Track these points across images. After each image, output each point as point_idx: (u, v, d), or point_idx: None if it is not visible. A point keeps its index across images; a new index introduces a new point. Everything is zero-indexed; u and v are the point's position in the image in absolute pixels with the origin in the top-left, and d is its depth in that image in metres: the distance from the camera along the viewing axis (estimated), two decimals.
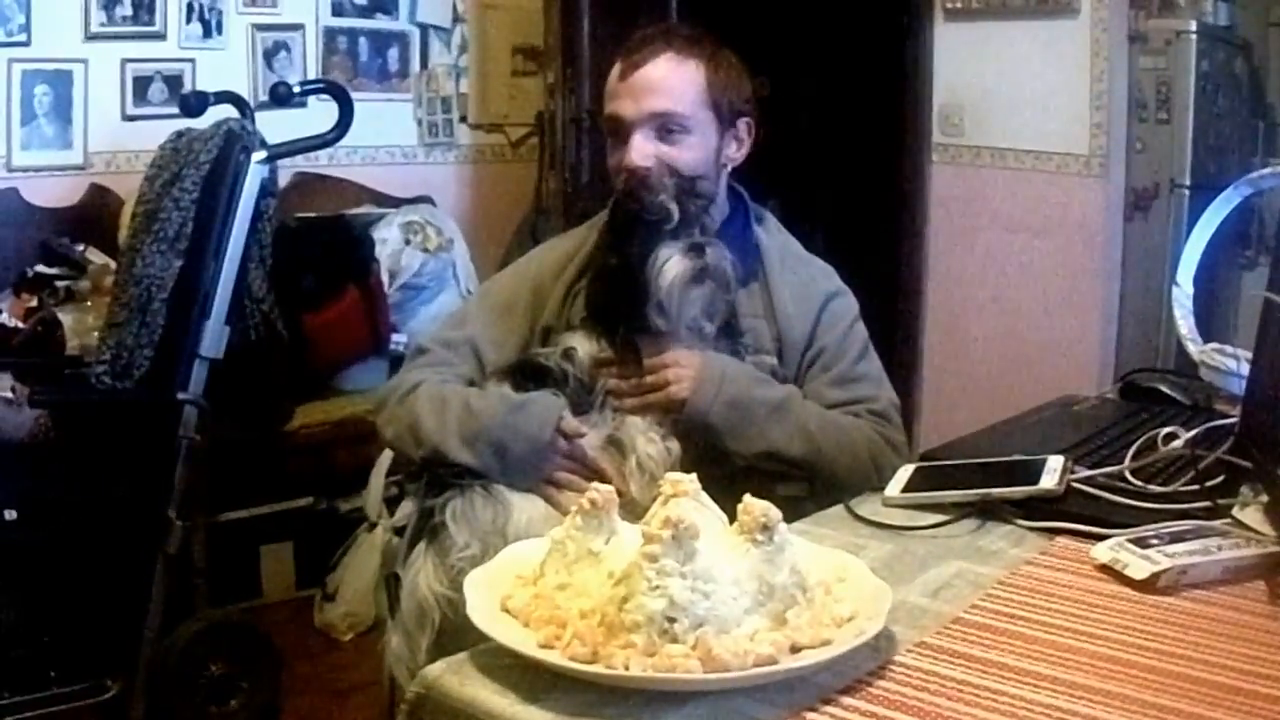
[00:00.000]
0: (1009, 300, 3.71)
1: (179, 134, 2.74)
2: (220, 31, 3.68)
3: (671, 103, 1.67)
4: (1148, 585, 1.10)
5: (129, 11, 3.51)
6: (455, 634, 1.39)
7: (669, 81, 1.67)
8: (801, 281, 1.74)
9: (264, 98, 3.25)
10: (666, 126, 1.67)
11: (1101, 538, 1.20)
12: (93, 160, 3.48)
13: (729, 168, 1.75)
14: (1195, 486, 1.30)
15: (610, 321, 1.62)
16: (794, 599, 0.97)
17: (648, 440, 1.59)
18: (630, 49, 1.70)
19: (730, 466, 1.58)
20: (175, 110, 2.92)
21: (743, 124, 1.74)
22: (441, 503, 1.58)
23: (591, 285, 1.67)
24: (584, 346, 1.63)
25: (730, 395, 1.58)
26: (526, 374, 1.64)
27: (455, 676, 0.95)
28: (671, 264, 1.56)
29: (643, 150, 1.66)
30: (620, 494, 1.09)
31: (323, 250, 3.39)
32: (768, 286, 1.73)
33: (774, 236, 1.80)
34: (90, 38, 3.45)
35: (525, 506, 1.56)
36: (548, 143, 4.10)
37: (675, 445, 1.59)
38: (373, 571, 1.84)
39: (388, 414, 1.68)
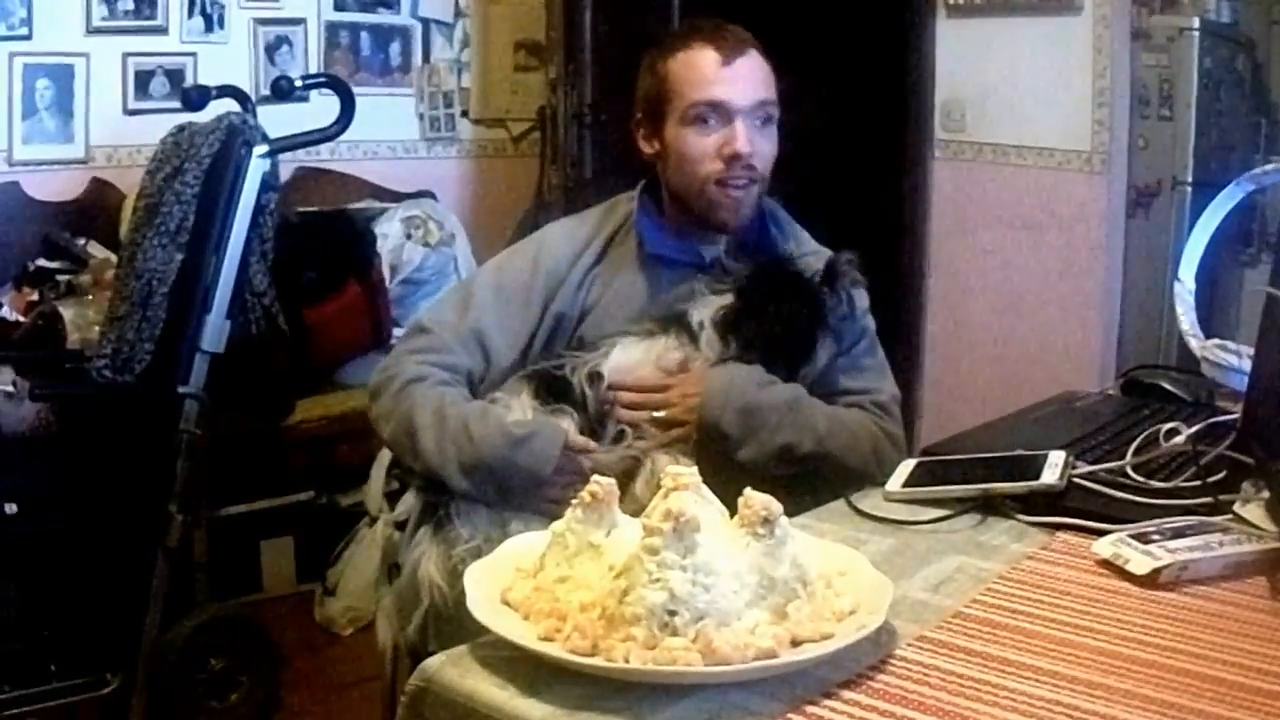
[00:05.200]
0: (1010, 297, 3.70)
1: (180, 128, 2.73)
2: (222, 26, 3.68)
3: (768, 92, 1.70)
4: (1149, 580, 1.10)
5: (130, 5, 3.50)
6: (453, 621, 1.40)
7: (763, 72, 1.71)
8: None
9: (265, 92, 3.25)
10: (761, 117, 1.70)
11: (1103, 533, 1.20)
12: (94, 154, 3.47)
13: None
14: (1197, 482, 1.30)
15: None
16: (795, 592, 0.97)
17: (670, 460, 1.58)
18: (712, 37, 1.69)
19: (739, 473, 1.58)
20: (177, 104, 2.91)
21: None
22: (445, 499, 1.59)
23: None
24: (615, 360, 1.62)
25: (739, 403, 1.59)
26: (549, 388, 1.63)
27: (455, 669, 0.96)
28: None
29: (748, 136, 1.67)
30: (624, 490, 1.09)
31: (324, 245, 3.38)
32: None
33: (786, 230, 1.81)
34: (92, 31, 3.44)
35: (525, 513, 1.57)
36: (549, 138, 4.09)
37: (693, 467, 1.59)
38: (373, 566, 1.83)
39: (384, 408, 1.66)
